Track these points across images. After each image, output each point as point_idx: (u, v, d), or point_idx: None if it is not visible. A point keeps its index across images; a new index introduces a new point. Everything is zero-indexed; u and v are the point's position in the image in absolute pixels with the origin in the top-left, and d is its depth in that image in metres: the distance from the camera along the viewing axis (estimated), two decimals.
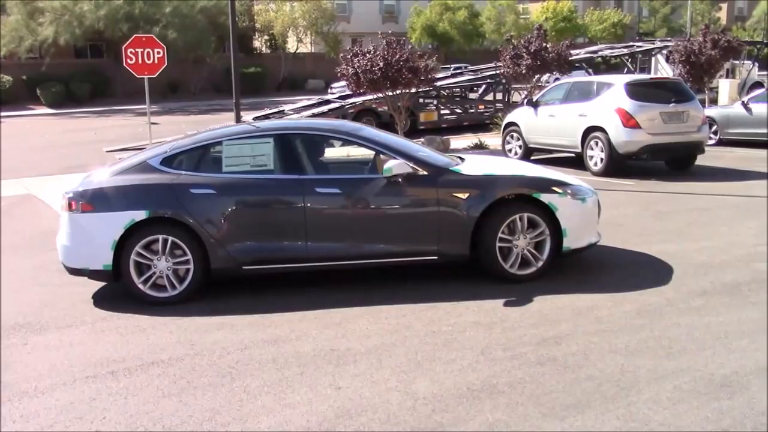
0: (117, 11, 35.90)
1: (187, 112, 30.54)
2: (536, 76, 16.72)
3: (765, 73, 28.91)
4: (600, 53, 24.70)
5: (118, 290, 6.07)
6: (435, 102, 20.75)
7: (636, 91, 11.45)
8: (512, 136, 13.97)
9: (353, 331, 5.10)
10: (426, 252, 6.02)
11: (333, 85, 31.80)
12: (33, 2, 36.00)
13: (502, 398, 3.97)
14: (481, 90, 22.42)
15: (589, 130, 11.73)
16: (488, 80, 21.78)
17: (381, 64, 12.86)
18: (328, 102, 20.76)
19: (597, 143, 11.60)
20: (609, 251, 6.95)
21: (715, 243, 7.24)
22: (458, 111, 21.35)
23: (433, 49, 40.91)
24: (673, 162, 12.08)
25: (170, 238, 5.73)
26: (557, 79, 18.61)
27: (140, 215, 5.69)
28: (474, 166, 6.44)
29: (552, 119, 12.76)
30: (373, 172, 6.39)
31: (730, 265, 6.45)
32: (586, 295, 5.70)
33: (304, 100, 23.00)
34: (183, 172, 5.94)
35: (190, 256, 5.76)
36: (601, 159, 11.53)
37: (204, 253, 5.79)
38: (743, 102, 15.10)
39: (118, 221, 5.68)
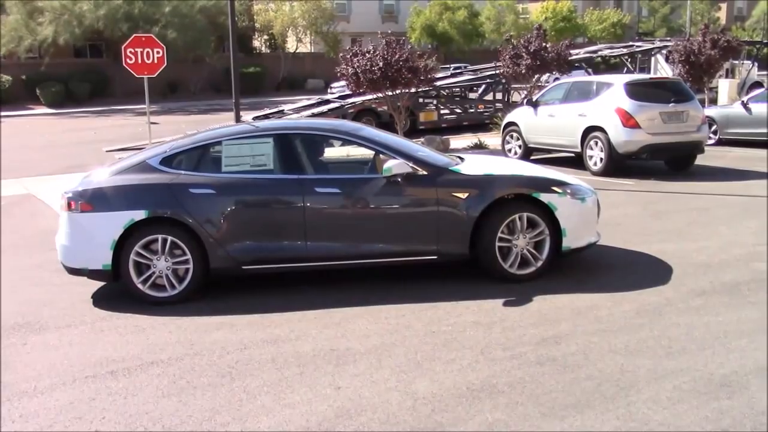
0: (116, 11, 35.92)
1: (186, 112, 30.53)
2: (536, 76, 16.72)
3: (764, 72, 28.94)
4: (599, 53, 24.72)
5: (117, 290, 6.07)
6: (435, 102, 20.74)
7: (636, 90, 11.45)
8: (512, 136, 13.96)
9: (353, 330, 5.10)
10: (425, 252, 6.02)
11: (332, 85, 31.76)
12: (32, 2, 36.01)
13: (501, 398, 3.97)
14: (480, 90, 22.40)
15: (589, 130, 11.73)
16: (488, 80, 21.77)
17: (380, 64, 12.84)
18: (327, 102, 20.75)
19: (596, 143, 11.60)
20: (608, 251, 6.95)
21: (714, 243, 7.24)
22: (458, 111, 21.33)
23: (433, 48, 40.80)
24: (672, 162, 12.08)
25: (169, 238, 5.73)
26: (557, 78, 18.62)
27: (140, 215, 5.69)
28: (473, 165, 6.44)
29: (552, 119, 12.76)
30: (372, 171, 6.39)
31: (729, 264, 6.45)
32: (585, 295, 5.70)
33: (304, 100, 23.00)
34: (182, 172, 5.93)
35: (189, 256, 5.76)
36: (601, 159, 11.54)
37: (203, 253, 5.78)
38: (743, 102, 15.09)
39: (117, 221, 5.68)
